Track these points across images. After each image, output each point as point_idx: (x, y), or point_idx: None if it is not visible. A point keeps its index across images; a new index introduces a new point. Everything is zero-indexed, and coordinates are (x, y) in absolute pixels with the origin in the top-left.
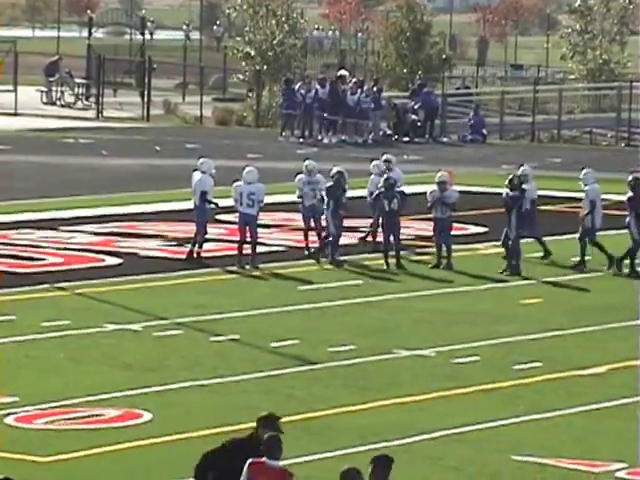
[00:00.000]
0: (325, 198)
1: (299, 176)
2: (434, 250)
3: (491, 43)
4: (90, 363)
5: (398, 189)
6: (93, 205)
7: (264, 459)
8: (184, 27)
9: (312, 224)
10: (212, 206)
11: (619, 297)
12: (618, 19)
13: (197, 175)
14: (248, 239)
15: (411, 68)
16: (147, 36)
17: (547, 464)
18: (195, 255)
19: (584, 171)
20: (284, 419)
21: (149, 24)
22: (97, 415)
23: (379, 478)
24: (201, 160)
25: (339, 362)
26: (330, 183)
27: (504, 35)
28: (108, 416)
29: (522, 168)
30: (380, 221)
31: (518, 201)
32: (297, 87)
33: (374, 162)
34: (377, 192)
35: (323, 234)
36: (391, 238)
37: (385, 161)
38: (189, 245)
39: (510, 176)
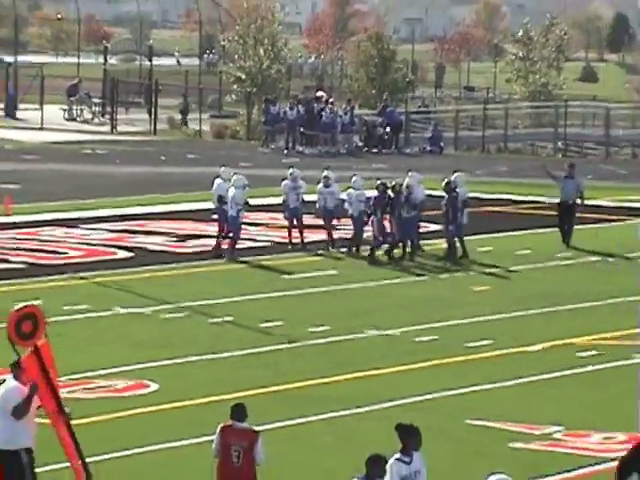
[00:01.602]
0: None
1: (284, 182)
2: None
3: (447, 68)
4: (105, 342)
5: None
6: (108, 206)
7: (231, 422)
8: (175, 53)
9: (294, 223)
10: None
11: (552, 285)
12: (555, 47)
13: (218, 181)
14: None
15: (379, 89)
16: (154, 62)
17: (495, 427)
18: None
19: (455, 175)
20: (272, 389)
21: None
22: (111, 386)
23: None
24: (222, 169)
25: (318, 340)
26: (376, 194)
27: (458, 62)
28: (121, 386)
29: (455, 174)
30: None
31: (451, 202)
32: (279, 106)
33: (354, 178)
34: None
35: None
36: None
37: (324, 177)
38: (187, 240)
39: (445, 180)
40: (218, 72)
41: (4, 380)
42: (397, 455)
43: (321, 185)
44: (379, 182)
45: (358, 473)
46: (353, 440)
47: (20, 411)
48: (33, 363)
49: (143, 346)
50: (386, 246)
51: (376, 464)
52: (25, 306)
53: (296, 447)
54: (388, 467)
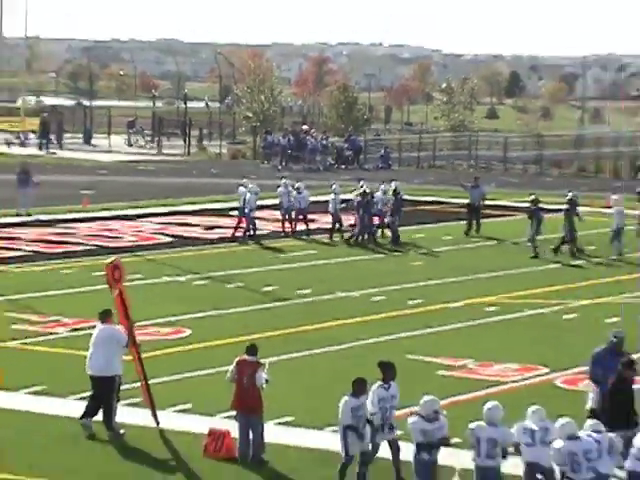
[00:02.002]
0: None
1: (279, 189)
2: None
3: (393, 110)
4: (154, 301)
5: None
6: (155, 205)
7: (245, 356)
8: (205, 98)
9: (286, 217)
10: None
11: (467, 261)
12: (469, 95)
13: (242, 189)
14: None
15: (345, 124)
16: (188, 105)
17: (427, 361)
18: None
19: (393, 183)
20: (273, 333)
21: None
22: (159, 331)
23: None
24: (244, 180)
25: (302, 300)
26: (359, 198)
27: (401, 105)
28: (165, 332)
29: (393, 182)
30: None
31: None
32: (274, 136)
33: (333, 186)
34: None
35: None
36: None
37: (297, 188)
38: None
39: (393, 187)
40: (233, 112)
41: (94, 326)
42: (379, 382)
43: (295, 192)
44: (361, 190)
45: (346, 392)
46: (331, 369)
47: (127, 344)
48: (119, 303)
49: (180, 304)
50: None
51: (361, 384)
52: (112, 260)
53: (291, 373)
54: (371, 391)
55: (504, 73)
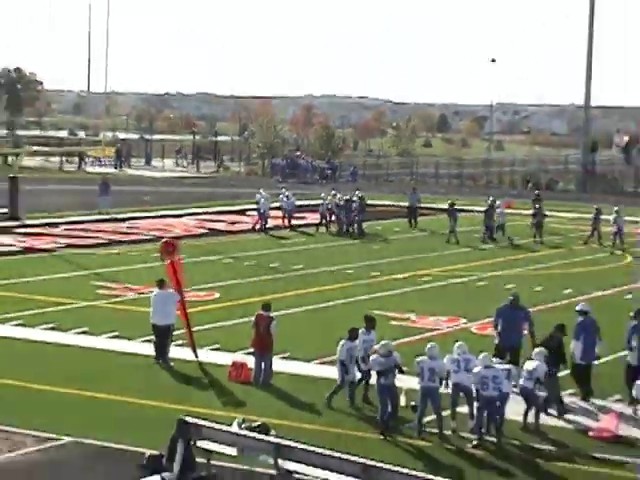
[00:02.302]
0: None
1: (280, 196)
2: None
3: (359, 141)
4: (194, 274)
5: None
6: (194, 207)
7: (261, 311)
8: (229, 135)
9: (286, 216)
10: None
11: (408, 246)
12: (411, 130)
13: (258, 196)
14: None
15: (326, 151)
16: (218, 138)
17: (385, 315)
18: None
19: (357, 191)
20: (278, 295)
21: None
22: (197, 294)
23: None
24: (260, 190)
25: (297, 272)
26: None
27: (365, 138)
28: (202, 295)
29: (357, 191)
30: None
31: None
32: (278, 160)
33: (331, 192)
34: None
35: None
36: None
37: (287, 196)
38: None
39: (359, 194)
40: (248, 143)
41: (153, 291)
42: (362, 330)
43: (286, 198)
44: (345, 198)
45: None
46: (319, 320)
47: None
48: (170, 272)
49: (212, 275)
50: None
51: (354, 332)
52: (167, 239)
53: (291, 323)
54: (359, 339)
55: (435, 115)
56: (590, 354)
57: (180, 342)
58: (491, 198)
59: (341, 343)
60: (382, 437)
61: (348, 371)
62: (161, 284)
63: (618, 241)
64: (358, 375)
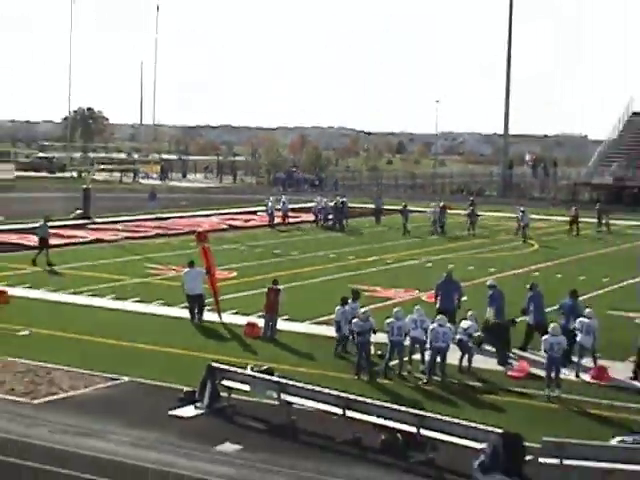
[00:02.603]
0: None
1: (280, 201)
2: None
3: (339, 160)
4: (218, 257)
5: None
6: (218, 209)
7: (272, 285)
8: (243, 156)
9: (284, 215)
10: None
11: (373, 238)
12: (378, 152)
13: (266, 200)
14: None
15: (314, 167)
16: (236, 158)
17: (359, 287)
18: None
19: (339, 197)
20: (281, 273)
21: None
22: (220, 273)
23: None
24: (270, 196)
25: (294, 256)
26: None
27: (343, 157)
28: (224, 274)
29: (339, 197)
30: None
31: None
32: (280, 174)
33: (317, 198)
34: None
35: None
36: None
37: (283, 202)
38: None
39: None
40: (259, 162)
41: (186, 269)
42: (350, 300)
43: (282, 204)
44: (336, 200)
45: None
46: (312, 291)
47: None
48: (203, 254)
49: (231, 259)
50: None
51: (346, 299)
52: (201, 230)
53: (292, 294)
54: (347, 306)
55: (395, 141)
56: (499, 316)
57: (209, 308)
58: (442, 202)
59: (337, 308)
60: (356, 378)
61: (340, 329)
62: (191, 264)
63: (521, 233)
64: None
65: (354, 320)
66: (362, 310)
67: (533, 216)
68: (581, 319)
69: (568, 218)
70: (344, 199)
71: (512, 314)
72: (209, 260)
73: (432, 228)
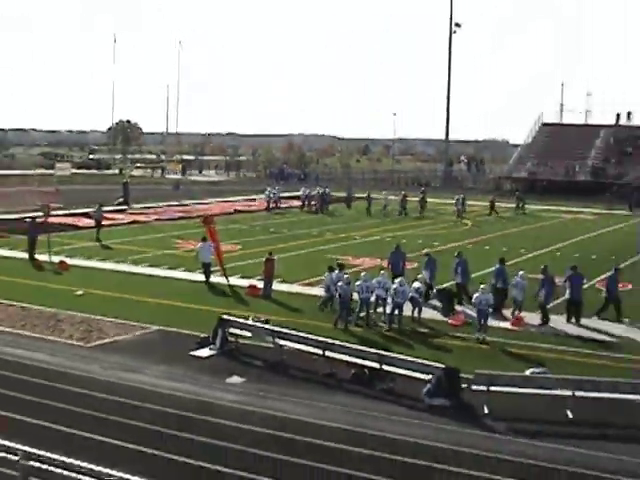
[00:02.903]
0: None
1: (273, 190)
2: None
3: (319, 159)
4: (224, 235)
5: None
6: (225, 196)
7: (268, 256)
8: (246, 156)
9: (275, 202)
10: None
11: (350, 218)
12: (348, 153)
13: (265, 190)
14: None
15: (301, 165)
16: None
17: (336, 257)
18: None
19: (324, 188)
20: (279, 246)
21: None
22: (226, 247)
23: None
24: (268, 187)
25: (285, 234)
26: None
27: (322, 157)
28: (229, 247)
29: (324, 188)
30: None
31: (322, 196)
32: (274, 169)
33: (302, 189)
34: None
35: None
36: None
37: (274, 194)
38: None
39: (326, 190)
40: (257, 160)
41: (199, 243)
42: (337, 271)
43: (274, 193)
44: (323, 191)
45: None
46: (299, 260)
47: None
48: (209, 234)
49: (236, 235)
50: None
51: (332, 267)
52: (207, 215)
53: (284, 262)
54: (334, 273)
55: (362, 144)
56: (432, 279)
57: (219, 274)
58: (403, 192)
59: (325, 274)
60: (334, 326)
61: (329, 290)
62: (204, 239)
63: (458, 216)
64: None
65: (339, 283)
66: (346, 276)
67: (468, 202)
68: (517, 280)
69: (488, 203)
70: (327, 189)
71: (444, 276)
72: (215, 238)
73: (384, 211)
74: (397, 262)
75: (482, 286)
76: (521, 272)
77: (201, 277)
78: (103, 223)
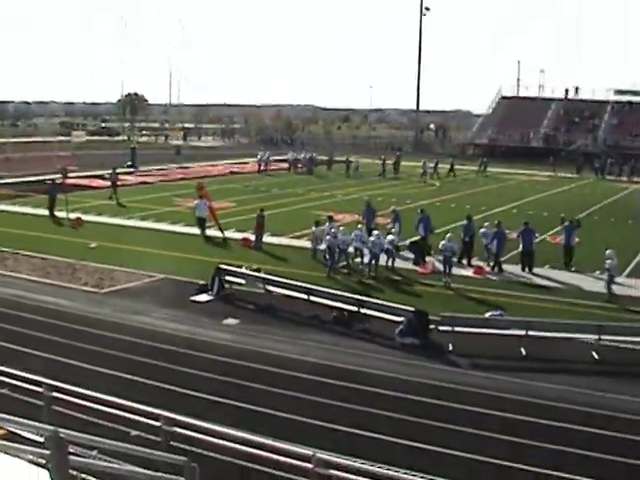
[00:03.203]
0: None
1: (264, 154)
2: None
3: (304, 127)
4: (224, 194)
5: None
6: (222, 159)
7: (259, 212)
8: (240, 124)
9: (266, 165)
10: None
11: (334, 180)
12: (331, 121)
13: (258, 154)
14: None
15: (288, 132)
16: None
17: (320, 213)
18: (259, 171)
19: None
20: (266, 203)
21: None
22: (221, 204)
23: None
24: (260, 151)
25: (275, 193)
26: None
27: (307, 125)
28: (224, 204)
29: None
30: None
31: (310, 159)
32: (265, 136)
33: (290, 153)
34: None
35: None
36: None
37: (266, 157)
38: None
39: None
40: (250, 128)
41: (196, 201)
42: (327, 223)
43: (265, 156)
44: (311, 155)
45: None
46: (289, 216)
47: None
48: (204, 195)
49: (231, 194)
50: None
51: (319, 222)
52: (198, 182)
53: (272, 218)
54: (325, 225)
55: (343, 114)
56: (401, 232)
57: (214, 228)
58: (383, 156)
59: (313, 228)
60: (327, 276)
61: (317, 242)
62: (200, 197)
63: (425, 178)
64: (323, 246)
65: (327, 237)
66: (332, 230)
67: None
68: (484, 230)
69: (448, 166)
70: (314, 154)
71: (410, 230)
72: (209, 199)
73: (356, 172)
74: (370, 217)
75: (448, 235)
76: (486, 223)
77: (198, 230)
78: (118, 184)
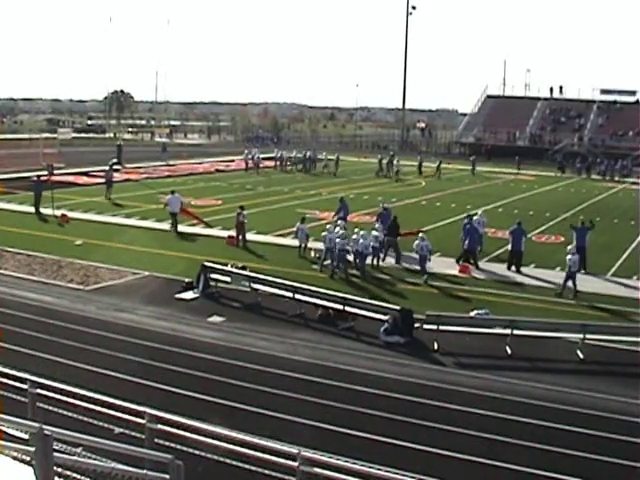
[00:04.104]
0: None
1: (253, 152)
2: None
3: (291, 125)
4: (210, 191)
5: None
6: (209, 157)
7: (239, 210)
8: (227, 122)
9: (254, 162)
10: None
11: (323, 179)
12: (317, 120)
13: (246, 150)
14: None
15: (275, 130)
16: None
17: (305, 211)
18: (246, 168)
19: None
20: (252, 202)
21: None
22: (208, 201)
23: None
24: (246, 149)
25: (262, 190)
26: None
27: (293, 123)
28: (210, 202)
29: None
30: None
31: (306, 158)
32: (251, 134)
33: (275, 151)
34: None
35: None
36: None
37: (254, 155)
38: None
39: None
40: (236, 126)
41: (168, 196)
42: (328, 227)
43: (253, 154)
44: (308, 153)
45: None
46: (275, 213)
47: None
48: (187, 213)
49: (218, 191)
50: None
51: (304, 218)
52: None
53: (257, 215)
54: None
55: (329, 112)
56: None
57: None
58: (380, 156)
59: (297, 225)
60: (320, 271)
61: (299, 237)
62: (172, 192)
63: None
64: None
65: (323, 234)
66: (328, 227)
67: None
68: (478, 219)
69: (435, 165)
70: (314, 152)
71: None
72: (191, 214)
73: (377, 172)
74: (345, 213)
75: (420, 235)
76: (479, 211)
77: (185, 229)
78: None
